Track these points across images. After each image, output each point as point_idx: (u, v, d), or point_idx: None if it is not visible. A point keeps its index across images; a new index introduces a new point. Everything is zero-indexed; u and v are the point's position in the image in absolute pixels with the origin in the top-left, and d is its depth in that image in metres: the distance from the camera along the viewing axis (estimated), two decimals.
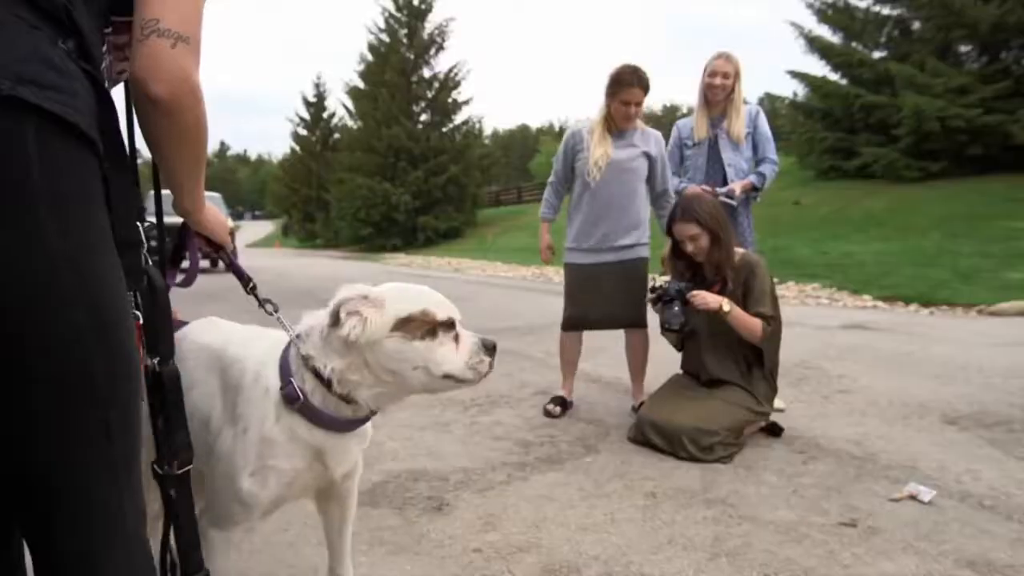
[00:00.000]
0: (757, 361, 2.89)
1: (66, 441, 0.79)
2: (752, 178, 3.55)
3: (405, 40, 31.15)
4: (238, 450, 1.27)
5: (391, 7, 30.92)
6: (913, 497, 2.26)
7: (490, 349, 1.30)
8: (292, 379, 1.25)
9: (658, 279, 3.12)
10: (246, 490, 1.27)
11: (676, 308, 2.81)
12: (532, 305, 8.28)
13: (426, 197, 28.79)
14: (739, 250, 2.95)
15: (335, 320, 1.22)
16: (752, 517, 2.16)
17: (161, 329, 1.06)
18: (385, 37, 31.41)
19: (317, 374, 1.25)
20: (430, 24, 31.60)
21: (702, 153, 3.68)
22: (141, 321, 1.02)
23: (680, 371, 3.19)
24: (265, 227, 72.08)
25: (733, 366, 2.92)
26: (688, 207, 2.88)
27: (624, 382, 4.05)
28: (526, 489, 2.41)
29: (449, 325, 1.28)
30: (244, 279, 1.42)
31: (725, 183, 3.55)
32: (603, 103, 3.34)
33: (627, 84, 3.19)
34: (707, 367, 2.97)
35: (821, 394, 3.73)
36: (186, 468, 1.10)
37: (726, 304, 2.75)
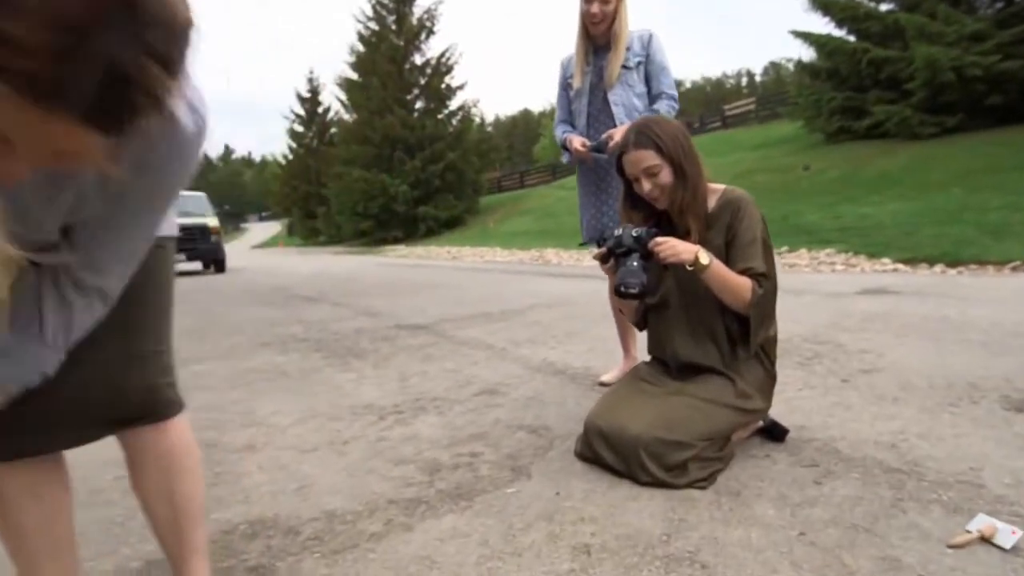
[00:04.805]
0: (747, 339, 2.09)
1: None
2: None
3: (394, 27, 30.90)
4: None
5: None
6: (985, 539, 1.46)
7: None
8: None
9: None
10: None
11: (635, 264, 1.98)
12: (519, 288, 7.84)
13: (425, 186, 28.54)
14: (718, 186, 2.14)
15: None
16: None
17: None
18: (374, 25, 31.13)
19: None
20: (418, 8, 31.32)
21: (584, 92, 2.95)
22: None
23: (647, 357, 2.40)
24: (273, 228, 72.36)
25: (713, 348, 2.11)
26: (644, 129, 2.07)
27: (594, 373, 3.30)
28: (402, 547, 1.62)
29: None
30: None
31: (615, 124, 2.85)
32: None
33: None
34: (679, 350, 2.17)
35: (839, 377, 2.94)
36: None
37: (703, 255, 1.94)
